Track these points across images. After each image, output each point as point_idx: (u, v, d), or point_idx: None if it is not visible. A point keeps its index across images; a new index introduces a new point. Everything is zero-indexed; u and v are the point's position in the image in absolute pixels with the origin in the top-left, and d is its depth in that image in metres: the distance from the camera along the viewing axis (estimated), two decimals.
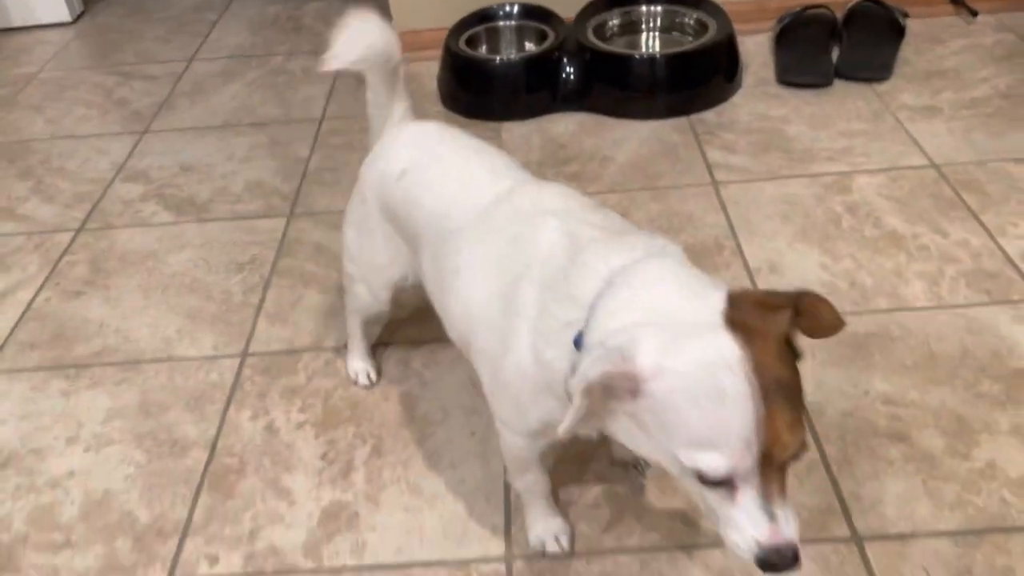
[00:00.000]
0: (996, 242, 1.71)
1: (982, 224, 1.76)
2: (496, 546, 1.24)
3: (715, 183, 1.97)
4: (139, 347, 1.65)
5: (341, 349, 1.60)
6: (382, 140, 1.35)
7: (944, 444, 1.33)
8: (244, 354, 1.62)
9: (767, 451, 0.79)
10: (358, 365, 1.54)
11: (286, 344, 1.63)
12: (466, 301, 1.09)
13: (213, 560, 1.25)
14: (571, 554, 1.21)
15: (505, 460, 1.20)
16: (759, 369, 0.78)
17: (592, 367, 0.80)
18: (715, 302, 0.83)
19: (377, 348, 1.59)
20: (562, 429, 0.84)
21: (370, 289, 1.40)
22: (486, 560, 1.23)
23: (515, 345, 0.98)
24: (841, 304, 1.53)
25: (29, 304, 1.78)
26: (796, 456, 0.81)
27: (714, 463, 0.79)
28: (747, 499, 0.81)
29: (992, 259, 1.67)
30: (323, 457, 1.40)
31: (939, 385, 1.42)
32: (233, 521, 1.31)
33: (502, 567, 1.21)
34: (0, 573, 1.25)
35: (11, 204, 2.11)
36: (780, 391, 0.79)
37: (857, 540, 1.20)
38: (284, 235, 1.93)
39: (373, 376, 1.53)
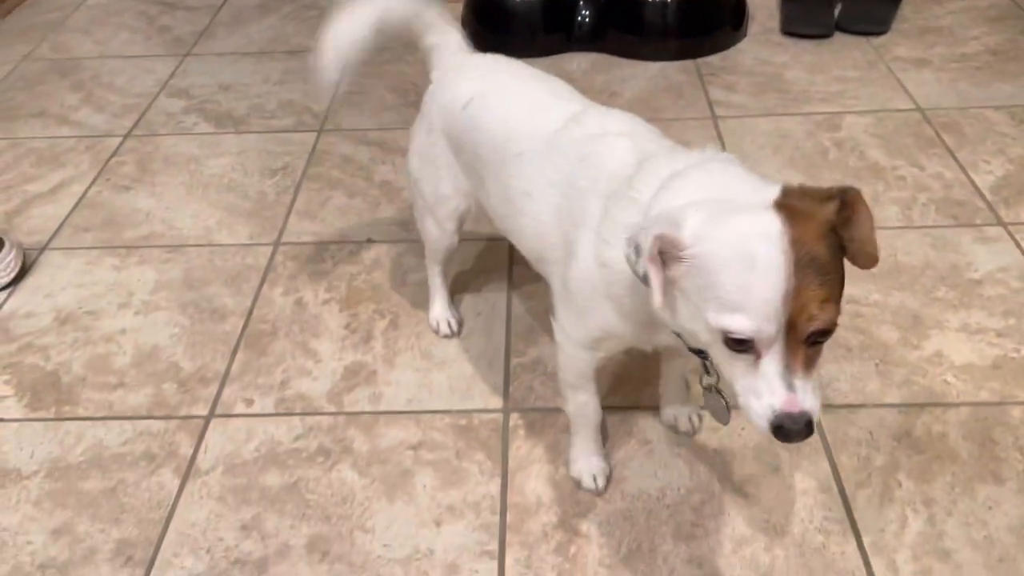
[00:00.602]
0: (968, 175, 1.86)
1: (957, 160, 1.91)
2: (495, 401, 1.42)
3: (715, 118, 2.12)
4: (182, 233, 1.83)
5: (364, 243, 1.77)
6: (443, 71, 1.35)
7: (899, 336, 1.49)
8: (277, 243, 1.79)
9: (793, 322, 0.81)
10: (439, 314, 1.56)
11: (315, 237, 1.80)
12: (537, 219, 1.13)
13: (249, 402, 1.43)
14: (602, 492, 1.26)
15: (561, 376, 1.23)
16: (797, 243, 0.80)
17: (648, 233, 0.85)
18: (768, 192, 0.86)
19: (399, 245, 1.76)
20: (656, 301, 0.87)
21: (437, 222, 1.41)
22: (486, 411, 1.40)
23: (580, 252, 1.03)
24: None
25: (83, 195, 1.96)
26: (823, 332, 0.83)
27: (739, 324, 0.82)
28: (770, 367, 0.83)
29: (962, 190, 1.82)
30: (346, 327, 1.58)
31: (900, 290, 1.58)
32: (266, 373, 1.49)
33: (499, 416, 1.39)
34: (62, 406, 1.44)
35: (64, 112, 2.29)
36: (814, 267, 0.81)
37: None
38: (314, 147, 2.09)
39: (454, 326, 1.55)
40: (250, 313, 1.61)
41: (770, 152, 1.98)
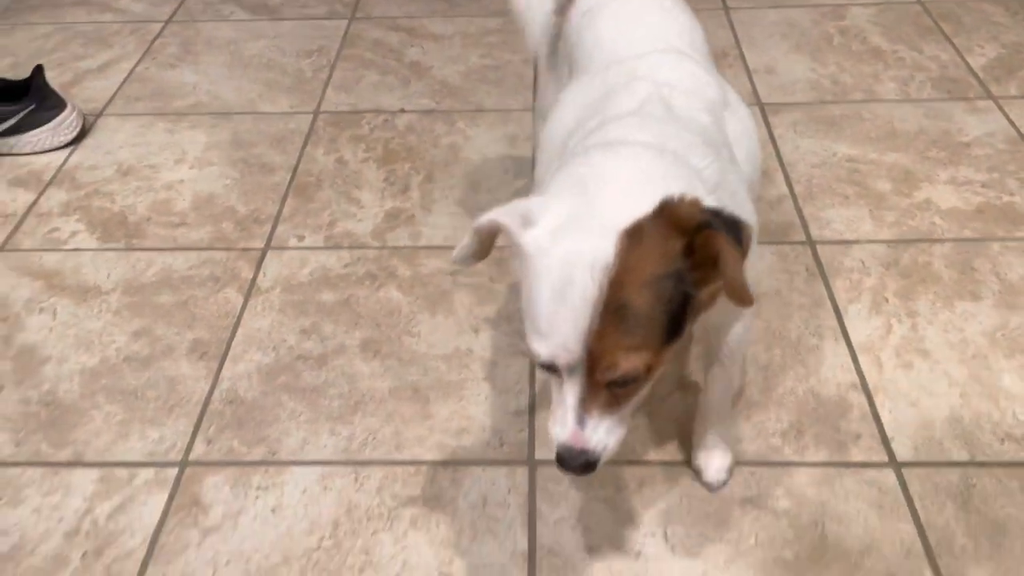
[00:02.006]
0: (962, 57, 1.98)
1: (953, 45, 2.03)
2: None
3: (726, 8, 2.23)
4: (228, 103, 1.96)
5: (398, 113, 1.90)
6: None
7: (892, 187, 1.62)
8: (316, 112, 1.92)
9: (593, 363, 0.79)
10: None
11: (351, 107, 1.93)
12: (551, 139, 1.07)
13: (300, 238, 1.58)
14: None
15: None
16: (615, 284, 0.76)
17: (494, 213, 0.83)
18: (646, 202, 0.78)
19: (431, 114, 1.89)
20: (453, 256, 0.88)
21: (538, 111, 1.41)
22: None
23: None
24: (821, 95, 1.86)
25: (131, 71, 2.08)
26: (621, 382, 0.80)
27: (535, 347, 0.80)
28: (567, 398, 0.82)
29: (957, 69, 1.95)
30: (384, 180, 1.71)
31: (895, 151, 1.72)
32: (314, 215, 1.63)
33: None
34: (131, 239, 1.58)
35: (106, 0, 2.40)
36: (623, 313, 0.77)
37: (811, 243, 1.51)
38: (346, 32, 2.21)
39: None
40: (296, 168, 1.75)
41: (778, 39, 2.10)
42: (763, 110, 1.86)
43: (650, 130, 0.91)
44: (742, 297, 0.77)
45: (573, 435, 0.82)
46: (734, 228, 0.79)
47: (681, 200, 0.78)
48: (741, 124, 1.05)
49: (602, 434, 0.82)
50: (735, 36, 2.12)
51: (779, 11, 2.21)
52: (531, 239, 0.80)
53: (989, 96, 1.86)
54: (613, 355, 0.78)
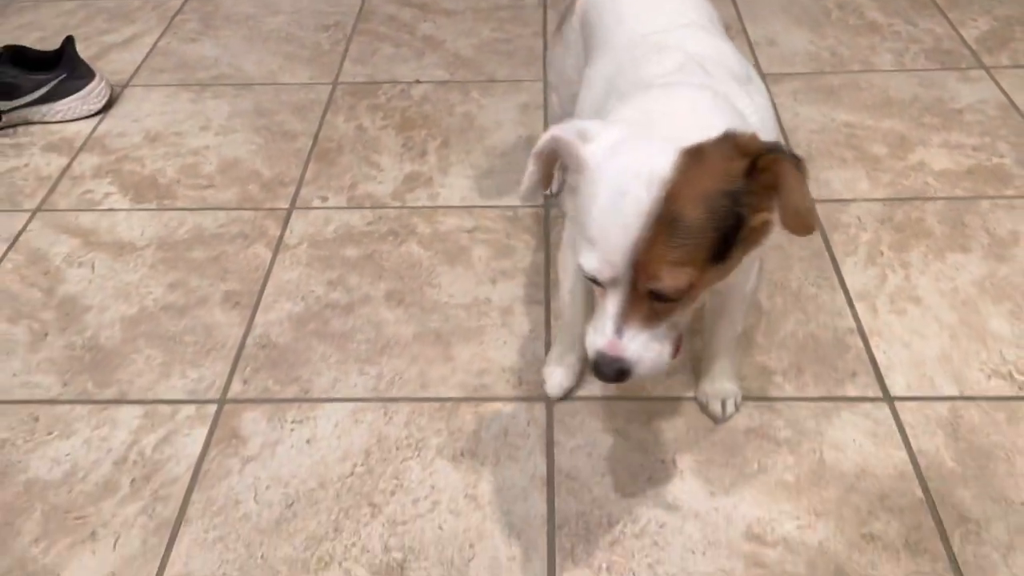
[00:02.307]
0: (956, 30, 2.06)
1: (947, 18, 2.10)
2: (539, 197, 1.64)
3: None
4: (249, 74, 2.03)
5: (413, 83, 1.97)
6: None
7: (887, 151, 1.70)
8: (335, 83, 1.99)
9: (637, 274, 0.81)
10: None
11: (368, 78, 2.00)
12: (577, 111, 1.13)
13: (324, 199, 1.65)
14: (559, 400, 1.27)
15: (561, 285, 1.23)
16: (670, 198, 0.78)
17: (552, 130, 0.86)
18: (708, 129, 0.81)
19: (445, 84, 1.96)
20: (520, 192, 0.92)
21: (560, 100, 1.46)
22: (531, 206, 1.62)
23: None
24: (820, 66, 1.93)
25: (154, 45, 2.15)
26: (665, 295, 0.82)
27: (586, 260, 0.83)
28: (608, 307, 0.84)
29: (951, 42, 2.02)
30: (402, 145, 1.79)
31: (890, 117, 1.79)
32: (336, 178, 1.70)
33: (541, 210, 1.61)
34: (163, 200, 1.66)
35: None
36: (674, 226, 0.79)
37: None
38: (361, 8, 2.28)
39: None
40: (317, 135, 1.82)
41: (779, 12, 2.17)
42: (764, 80, 1.93)
43: (693, 78, 0.96)
44: (806, 222, 0.80)
45: (610, 344, 0.84)
46: (798, 161, 0.82)
47: (743, 132, 0.82)
48: (762, 97, 1.09)
49: (638, 345, 0.85)
50: (737, 11, 2.19)
51: None
52: (591, 151, 0.83)
53: (981, 66, 1.93)
54: (658, 266, 0.80)
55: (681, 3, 1.18)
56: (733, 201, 0.80)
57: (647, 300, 0.83)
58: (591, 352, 0.86)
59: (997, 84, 1.87)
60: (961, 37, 2.04)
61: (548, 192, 1.51)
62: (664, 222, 0.78)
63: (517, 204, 1.62)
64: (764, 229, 0.84)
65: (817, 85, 1.91)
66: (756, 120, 0.94)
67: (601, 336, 0.85)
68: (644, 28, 1.11)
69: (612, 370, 0.85)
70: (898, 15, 2.14)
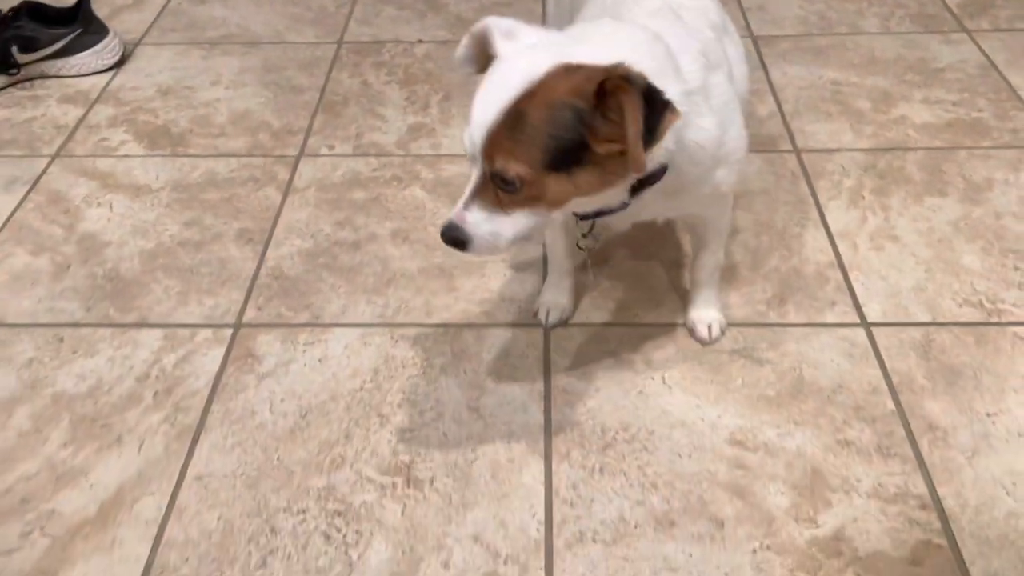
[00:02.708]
0: None
1: None
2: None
3: None
4: (257, 33, 2.10)
5: (416, 43, 2.04)
6: None
7: (871, 105, 1.78)
8: (340, 42, 2.06)
9: (483, 154, 0.92)
10: None
11: (372, 38, 2.07)
12: None
13: (331, 147, 1.72)
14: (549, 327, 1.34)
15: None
16: (525, 97, 0.88)
17: (488, 19, 0.97)
18: (607, 58, 0.88)
19: (447, 44, 2.03)
20: (455, 55, 1.02)
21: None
22: None
23: None
24: (808, 29, 2.01)
25: (164, 6, 2.22)
26: (501, 180, 0.91)
27: (464, 133, 0.95)
28: (468, 186, 0.96)
29: (934, 7, 2.10)
30: (406, 99, 1.86)
31: (874, 75, 1.87)
32: (343, 129, 1.77)
33: None
34: (176, 147, 1.73)
35: None
36: (518, 122, 0.88)
37: (796, 151, 1.66)
38: None
39: None
40: (323, 89, 1.89)
41: None
42: (755, 42, 2.01)
43: (655, 23, 1.02)
44: (633, 153, 0.86)
45: (457, 213, 0.96)
46: (660, 107, 0.86)
47: (629, 67, 0.87)
48: (736, 49, 1.18)
49: (478, 219, 0.95)
50: None
51: None
52: (505, 47, 0.95)
53: (963, 29, 2.01)
54: (495, 151, 0.90)
55: None
56: (575, 116, 0.87)
57: (494, 185, 0.93)
58: (445, 220, 0.98)
59: (978, 46, 1.95)
60: (944, 3, 2.11)
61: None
62: (511, 115, 0.88)
63: None
64: (616, 162, 0.90)
65: (805, 46, 1.98)
66: (696, 74, 0.98)
67: (454, 208, 0.97)
68: None
69: (450, 236, 0.97)
70: None
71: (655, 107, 0.86)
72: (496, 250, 1.00)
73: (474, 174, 0.94)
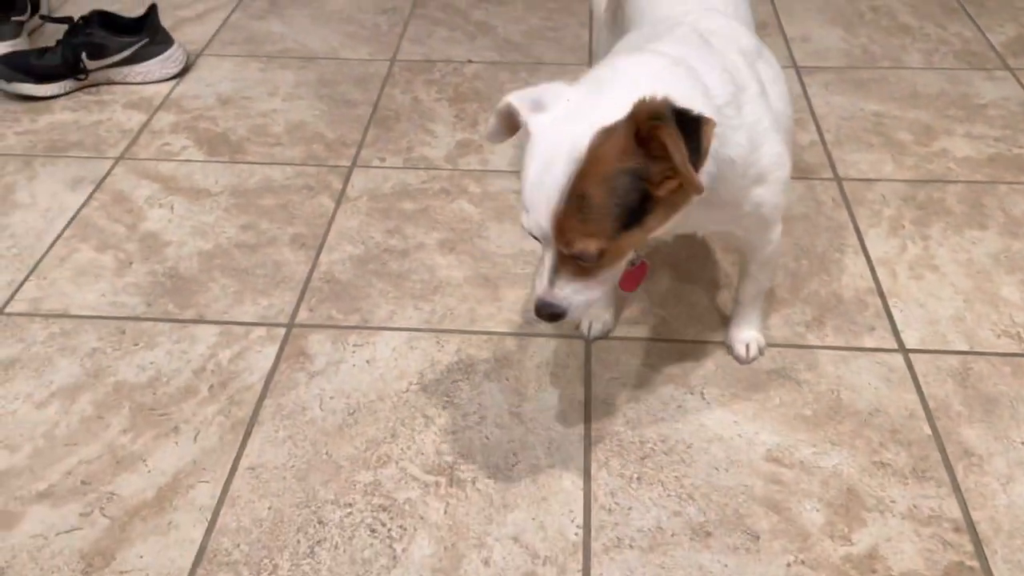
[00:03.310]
0: (984, 34, 2.16)
1: (976, 23, 2.20)
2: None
3: None
4: (313, 49, 2.17)
5: (466, 63, 2.10)
6: None
7: (913, 138, 1.80)
8: (393, 60, 2.13)
9: (556, 239, 0.94)
10: None
11: (424, 57, 2.14)
12: None
13: (382, 160, 1.78)
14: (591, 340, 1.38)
15: None
16: (580, 177, 0.90)
17: (511, 96, 0.97)
18: (639, 93, 0.89)
19: (496, 65, 2.08)
20: (484, 132, 1.07)
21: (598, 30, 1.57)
22: None
23: None
24: (852, 61, 2.04)
25: (225, 20, 2.31)
26: (582, 258, 0.95)
27: (524, 221, 0.97)
28: (545, 262, 0.99)
29: (978, 44, 2.12)
30: (455, 116, 1.92)
31: (917, 109, 1.89)
32: (394, 143, 1.83)
33: None
34: (234, 154, 1.79)
35: None
36: (581, 203, 0.91)
37: (837, 179, 1.69)
38: None
39: None
40: (376, 104, 1.96)
41: (815, 12, 2.28)
42: (798, 71, 2.04)
43: (675, 47, 1.04)
44: (688, 180, 0.88)
45: (544, 291, 1.00)
46: (693, 124, 0.89)
47: (652, 99, 0.89)
48: (772, 71, 1.20)
49: (568, 293, 0.99)
50: (775, 10, 2.30)
51: None
52: (535, 122, 0.95)
53: (1006, 68, 2.03)
54: (571, 235, 0.93)
55: None
56: (633, 177, 0.90)
57: (571, 260, 0.97)
58: (534, 297, 1.02)
59: (1021, 84, 1.97)
60: (988, 41, 2.14)
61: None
62: (573, 199, 0.91)
63: None
64: (678, 194, 0.93)
65: (848, 78, 2.02)
66: (723, 89, 1.00)
67: (540, 285, 1.00)
68: (671, 11, 1.22)
69: (547, 313, 1.01)
70: (929, 19, 2.24)
71: (689, 125, 0.89)
72: (588, 309, 1.08)
73: (548, 254, 0.98)
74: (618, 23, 1.42)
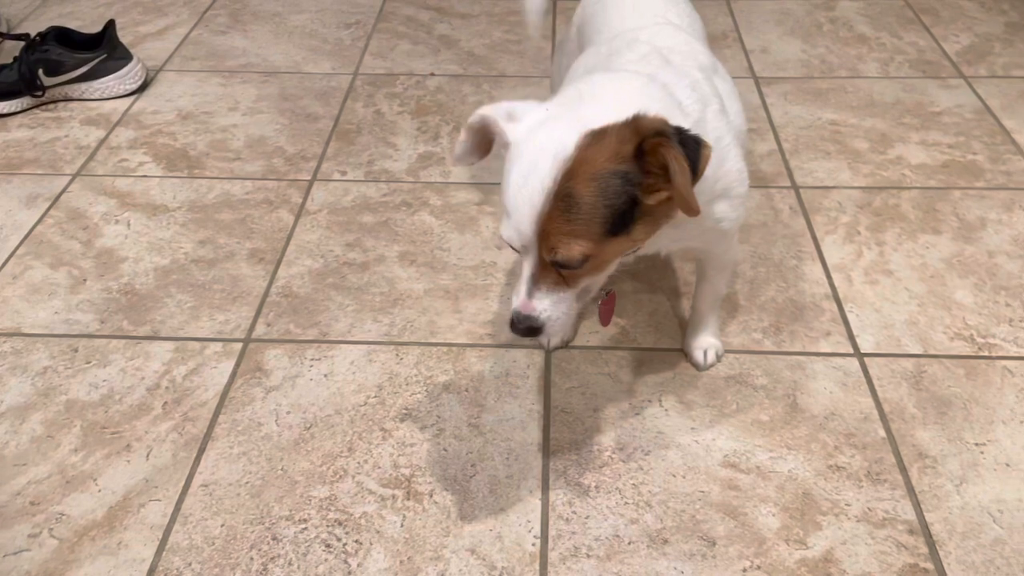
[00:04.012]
0: (939, 44, 2.19)
1: (931, 33, 2.24)
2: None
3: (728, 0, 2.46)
4: (275, 64, 2.17)
5: (428, 76, 2.10)
6: None
7: (869, 146, 1.83)
8: (355, 73, 2.13)
9: (539, 244, 0.91)
10: None
11: (386, 70, 2.14)
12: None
13: (343, 173, 1.77)
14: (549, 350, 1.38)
15: None
16: (567, 177, 0.87)
17: (482, 109, 0.96)
18: (622, 113, 0.88)
19: (458, 78, 2.09)
20: (454, 154, 1.02)
21: (554, 85, 1.59)
22: None
23: None
24: (810, 72, 2.06)
25: (186, 36, 2.30)
26: (564, 264, 0.92)
27: (503, 229, 0.93)
28: (524, 272, 0.95)
29: (933, 53, 2.16)
30: (417, 129, 1.92)
31: (873, 117, 1.92)
32: (355, 155, 1.83)
33: None
34: (193, 169, 1.78)
35: None
36: (568, 202, 0.87)
37: (795, 187, 1.71)
38: (381, 9, 2.42)
39: None
40: (338, 117, 1.95)
41: (774, 24, 2.31)
42: (757, 82, 2.07)
43: (646, 66, 1.06)
44: (687, 204, 0.87)
45: (523, 303, 0.96)
46: (693, 146, 0.88)
47: (650, 115, 0.89)
48: (727, 85, 1.21)
49: (547, 305, 0.95)
50: (735, 22, 2.33)
51: (776, 2, 2.42)
52: (512, 129, 0.93)
53: (960, 76, 2.06)
54: (556, 238, 0.89)
55: (662, 8, 1.30)
56: (624, 181, 0.88)
57: (552, 269, 0.93)
58: (511, 310, 0.98)
59: (974, 91, 2.00)
60: (943, 50, 2.18)
61: None
62: (560, 198, 0.87)
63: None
64: (665, 207, 0.92)
65: (806, 88, 2.04)
66: (695, 106, 1.00)
67: (517, 298, 0.97)
68: (625, 25, 1.24)
69: (524, 326, 0.97)
70: (885, 29, 2.28)
71: (690, 148, 0.88)
72: (568, 325, 1.01)
73: (528, 262, 0.94)
74: (574, 47, 1.44)
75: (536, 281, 0.94)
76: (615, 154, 0.87)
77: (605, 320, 1.25)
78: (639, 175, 0.88)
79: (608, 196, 0.87)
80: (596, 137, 0.88)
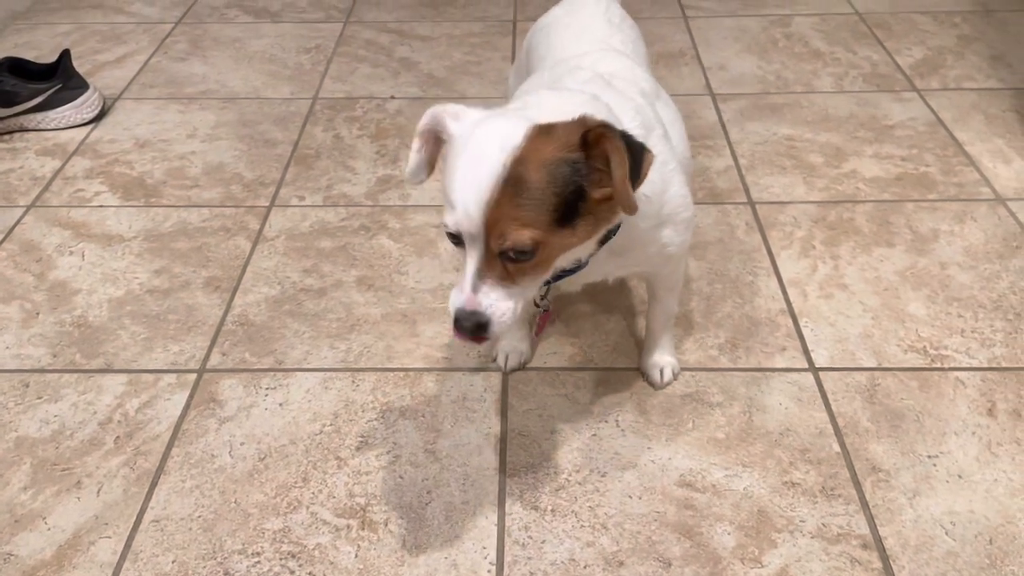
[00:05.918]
0: (892, 58, 2.23)
1: (884, 48, 2.28)
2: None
3: (685, 17, 2.48)
4: (234, 90, 2.16)
5: (388, 99, 2.11)
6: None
7: (823, 160, 1.85)
8: (315, 98, 2.13)
9: (487, 232, 0.88)
10: None
11: (346, 94, 2.14)
12: None
13: (301, 198, 1.77)
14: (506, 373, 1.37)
15: None
16: (517, 162, 0.86)
17: (431, 109, 0.96)
18: (568, 111, 0.90)
19: (418, 100, 2.09)
20: (406, 171, 1.00)
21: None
22: None
23: None
24: (766, 88, 2.09)
25: (145, 63, 2.29)
26: (512, 253, 0.89)
27: (448, 219, 0.90)
28: (468, 267, 0.91)
29: (887, 67, 2.19)
30: (376, 152, 1.92)
31: (828, 131, 1.94)
32: (314, 180, 1.82)
33: None
34: (150, 198, 1.77)
35: (119, 3, 2.61)
36: (518, 188, 0.87)
37: (751, 203, 1.72)
38: (341, 33, 2.43)
39: None
40: (297, 142, 1.95)
41: (731, 41, 2.34)
42: (714, 99, 2.09)
43: (587, 87, 1.07)
44: (624, 200, 0.87)
45: (467, 299, 0.91)
46: (638, 148, 0.90)
47: (594, 117, 0.91)
48: (671, 112, 1.23)
49: (493, 300, 0.92)
50: (692, 39, 2.35)
51: (733, 20, 2.46)
52: (457, 124, 0.94)
53: (913, 89, 2.10)
54: (506, 223, 0.87)
55: (606, 34, 1.33)
56: (572, 170, 0.88)
57: (500, 260, 0.91)
58: (452, 310, 0.93)
59: (927, 104, 2.03)
60: (896, 64, 2.21)
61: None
62: (511, 183, 0.86)
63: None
64: (609, 205, 0.93)
65: (762, 104, 2.06)
66: (638, 131, 1.01)
67: (459, 294, 0.92)
68: (569, 52, 1.26)
69: (471, 323, 0.92)
70: (839, 44, 2.31)
71: (633, 149, 0.89)
72: (511, 326, 0.95)
73: (473, 254, 0.91)
74: (525, 68, 1.45)
75: (481, 276, 0.91)
76: (564, 143, 0.88)
77: (538, 331, 1.26)
78: (586, 167, 0.89)
79: (557, 183, 0.88)
80: (544, 130, 0.89)
